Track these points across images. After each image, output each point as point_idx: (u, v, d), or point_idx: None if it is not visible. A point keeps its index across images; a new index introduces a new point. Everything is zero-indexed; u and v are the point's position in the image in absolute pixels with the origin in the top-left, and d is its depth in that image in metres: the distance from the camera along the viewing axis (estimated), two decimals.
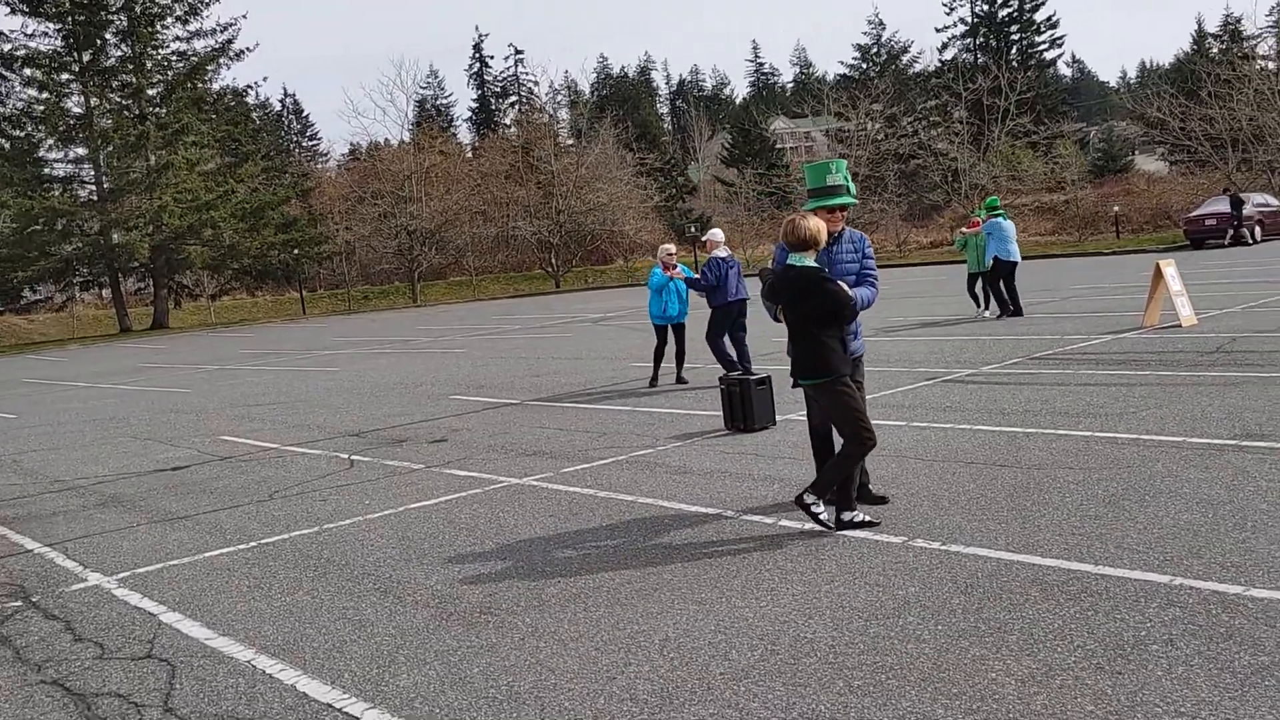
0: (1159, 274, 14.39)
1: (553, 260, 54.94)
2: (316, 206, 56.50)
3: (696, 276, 13.02)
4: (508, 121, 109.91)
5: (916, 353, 14.18)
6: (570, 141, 64.47)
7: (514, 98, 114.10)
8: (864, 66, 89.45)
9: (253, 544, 7.26)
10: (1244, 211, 32.78)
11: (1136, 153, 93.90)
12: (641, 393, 12.95)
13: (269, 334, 38.84)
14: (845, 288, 6.20)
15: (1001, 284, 18.06)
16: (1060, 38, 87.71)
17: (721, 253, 12.88)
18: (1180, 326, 13.93)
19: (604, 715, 4.02)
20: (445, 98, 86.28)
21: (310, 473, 9.74)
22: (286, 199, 50.67)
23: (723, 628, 4.82)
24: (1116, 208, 46.56)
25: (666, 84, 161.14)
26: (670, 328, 13.58)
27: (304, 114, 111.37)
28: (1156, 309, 14.59)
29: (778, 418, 9.81)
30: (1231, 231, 32.54)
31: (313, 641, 5.16)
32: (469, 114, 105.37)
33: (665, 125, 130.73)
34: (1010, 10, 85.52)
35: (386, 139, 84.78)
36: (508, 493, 8.09)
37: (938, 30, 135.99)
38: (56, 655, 5.35)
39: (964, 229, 19.44)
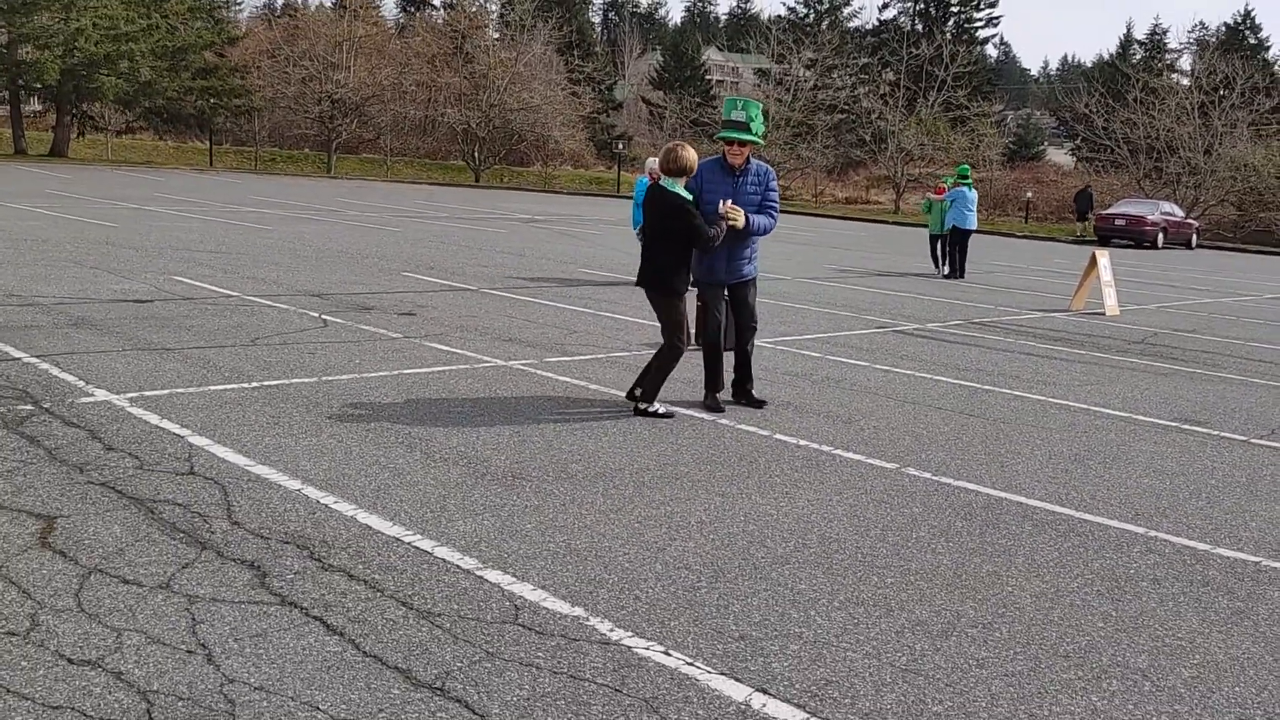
0: (1093, 263, 15.21)
1: (475, 153, 54.15)
2: (236, 57, 54.34)
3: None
4: (436, 3, 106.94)
5: (862, 300, 14.76)
6: (496, 36, 63.23)
7: None
8: (804, 12, 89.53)
9: (255, 384, 7.38)
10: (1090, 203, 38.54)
11: (1047, 143, 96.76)
12: (599, 297, 13.22)
13: (178, 180, 37.59)
14: (704, 225, 7.01)
15: (955, 248, 18.98)
16: (997, 18, 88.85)
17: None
18: (1104, 315, 14.80)
19: (664, 578, 4.39)
20: None
21: (285, 325, 9.79)
22: (211, 44, 48.61)
23: (751, 518, 5.24)
24: (1030, 194, 48.13)
25: None
26: None
27: None
28: (1084, 295, 15.44)
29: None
30: (1079, 220, 38.19)
31: (355, 481, 5.40)
32: None
33: (596, 35, 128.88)
34: None
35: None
36: (497, 373, 8.34)
37: None
38: (93, 460, 5.46)
39: (931, 193, 20.12)
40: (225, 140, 62.00)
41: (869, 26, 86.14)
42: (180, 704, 3.19)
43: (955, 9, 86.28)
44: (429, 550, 4.53)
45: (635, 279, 7.39)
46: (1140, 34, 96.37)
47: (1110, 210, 36.74)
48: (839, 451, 6.62)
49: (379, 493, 5.24)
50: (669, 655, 3.68)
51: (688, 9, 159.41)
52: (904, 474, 6.23)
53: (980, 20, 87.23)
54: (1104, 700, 3.58)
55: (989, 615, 4.24)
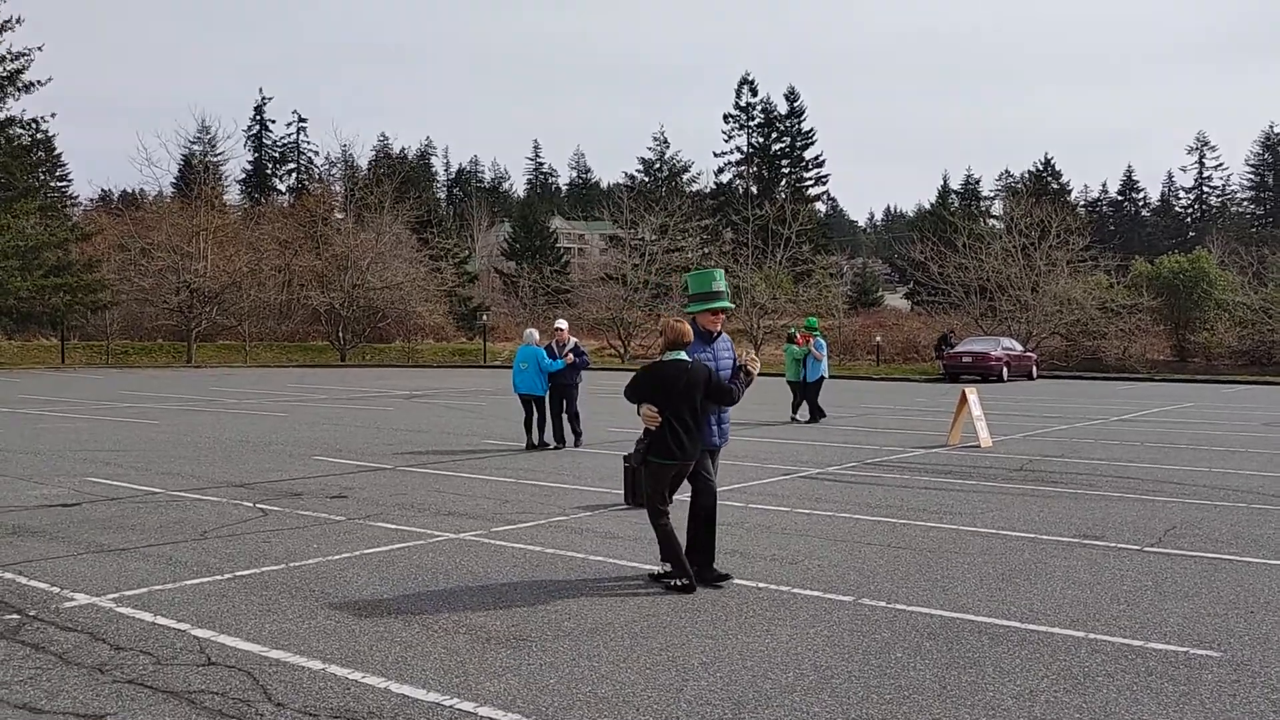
0: (964, 399, 16.46)
1: (339, 333, 54.22)
2: (88, 252, 53.63)
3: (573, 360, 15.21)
4: (283, 189, 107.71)
5: (761, 451, 15.57)
6: (340, 216, 64.20)
7: (293, 165, 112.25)
8: (646, 179, 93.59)
9: (228, 575, 7.56)
10: (951, 346, 41.21)
11: (883, 290, 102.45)
12: (513, 466, 13.66)
13: (36, 380, 36.55)
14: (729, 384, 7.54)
15: (813, 394, 20.36)
16: (825, 176, 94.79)
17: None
18: (979, 447, 15.96)
19: (694, 714, 4.85)
20: (216, 155, 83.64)
21: (225, 517, 9.92)
22: (65, 240, 47.95)
23: (746, 655, 5.74)
24: (879, 338, 50.82)
25: (445, 171, 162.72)
26: (536, 399, 15.89)
27: (55, 152, 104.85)
28: (959, 430, 16.63)
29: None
30: (938, 356, 41.51)
31: (372, 656, 5.70)
32: (244, 175, 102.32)
33: (443, 211, 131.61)
34: (783, 145, 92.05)
35: (142, 190, 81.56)
36: (455, 546, 8.69)
37: (715, 155, 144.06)
38: (108, 661, 5.62)
39: (798, 344, 21.30)
40: (73, 335, 60.50)
41: (708, 190, 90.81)
42: None
43: (786, 171, 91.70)
44: (473, 711, 4.88)
45: (681, 456, 7.26)
46: (955, 184, 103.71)
47: (957, 349, 39.16)
48: (797, 590, 7.19)
49: (399, 664, 5.55)
50: None
51: (530, 181, 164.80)
52: (861, 604, 6.84)
53: (810, 179, 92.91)
54: None
55: (987, 713, 4.82)
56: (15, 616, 6.47)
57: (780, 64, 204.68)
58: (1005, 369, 37.16)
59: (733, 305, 8.13)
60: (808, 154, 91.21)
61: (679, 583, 7.16)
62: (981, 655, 5.76)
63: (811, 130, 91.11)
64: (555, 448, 15.71)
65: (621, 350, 55.85)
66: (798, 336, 21.31)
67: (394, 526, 9.49)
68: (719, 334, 7.81)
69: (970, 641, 6.01)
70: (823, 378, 20.60)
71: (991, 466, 13.91)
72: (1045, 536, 9.15)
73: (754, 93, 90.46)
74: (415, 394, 29.92)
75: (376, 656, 5.69)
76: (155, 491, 11.45)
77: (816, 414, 20.52)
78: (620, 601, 6.90)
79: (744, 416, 21.58)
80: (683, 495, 7.84)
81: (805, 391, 20.61)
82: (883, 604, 6.85)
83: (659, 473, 7.33)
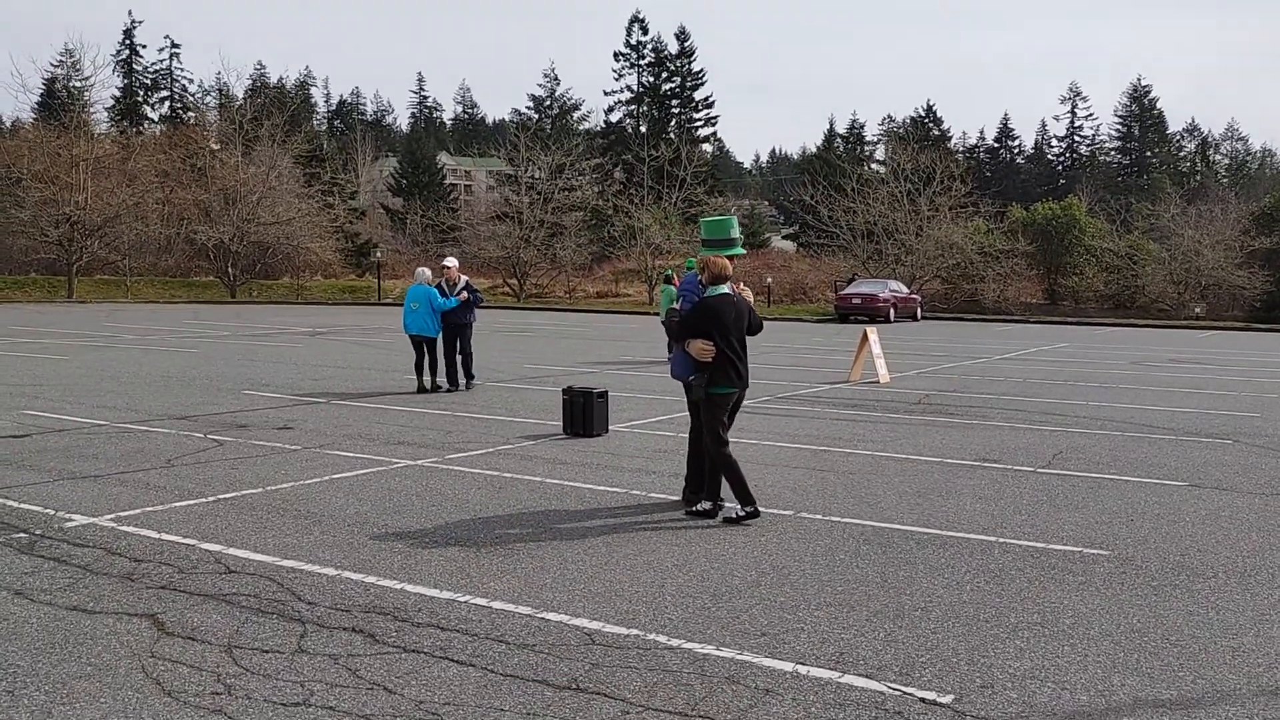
0: (865, 339, 17.54)
1: (229, 269, 53.21)
2: None
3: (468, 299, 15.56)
4: (155, 117, 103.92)
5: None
6: (216, 146, 62.60)
7: (166, 93, 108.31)
8: (536, 116, 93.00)
9: (212, 498, 8.05)
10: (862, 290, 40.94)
11: (768, 232, 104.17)
12: (442, 400, 14.21)
13: None
14: None
15: None
16: (715, 118, 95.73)
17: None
18: (879, 382, 17.08)
19: (680, 604, 5.63)
20: (82, 79, 79.51)
21: (183, 447, 10.31)
22: None
23: (710, 559, 6.54)
24: (770, 279, 52.15)
25: (326, 103, 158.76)
26: (427, 340, 15.47)
27: None
28: (860, 367, 17.73)
29: (609, 427, 11.59)
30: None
31: (381, 562, 6.33)
32: (113, 102, 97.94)
33: (325, 145, 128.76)
34: (673, 85, 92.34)
35: (18, 119, 77.91)
36: (416, 471, 9.29)
37: (606, 94, 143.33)
38: (134, 571, 6.13)
39: (675, 285, 22.06)
40: None
41: (598, 129, 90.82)
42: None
43: (676, 111, 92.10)
44: (487, 605, 5.57)
45: (740, 383, 7.79)
46: (841, 128, 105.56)
47: (847, 291, 40.66)
48: (740, 506, 8.02)
49: (406, 570, 6.20)
50: (720, 650, 4.93)
51: (414, 115, 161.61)
52: (801, 518, 7.71)
53: (700, 120, 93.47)
54: (1024, 642, 5.11)
55: (922, 602, 5.72)
56: (24, 535, 6.89)
57: (670, 3, 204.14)
58: (892, 310, 38.78)
59: (744, 251, 8.75)
60: (698, 95, 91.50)
61: (745, 511, 7.49)
62: (912, 556, 6.67)
63: (702, 71, 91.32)
64: (448, 389, 15.30)
65: (517, 289, 56.09)
66: (674, 278, 22.16)
67: (351, 454, 10.02)
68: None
69: (900, 545, 6.93)
70: None
71: (893, 400, 15.01)
72: (950, 460, 10.18)
73: (644, 31, 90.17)
74: (318, 331, 29.94)
75: (382, 564, 6.32)
76: (100, 424, 11.71)
77: None
78: (586, 515, 7.64)
79: (613, 355, 22.40)
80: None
81: None
82: (819, 517, 7.73)
83: (721, 402, 7.75)
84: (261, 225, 53.20)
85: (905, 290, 42.25)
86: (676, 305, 8.19)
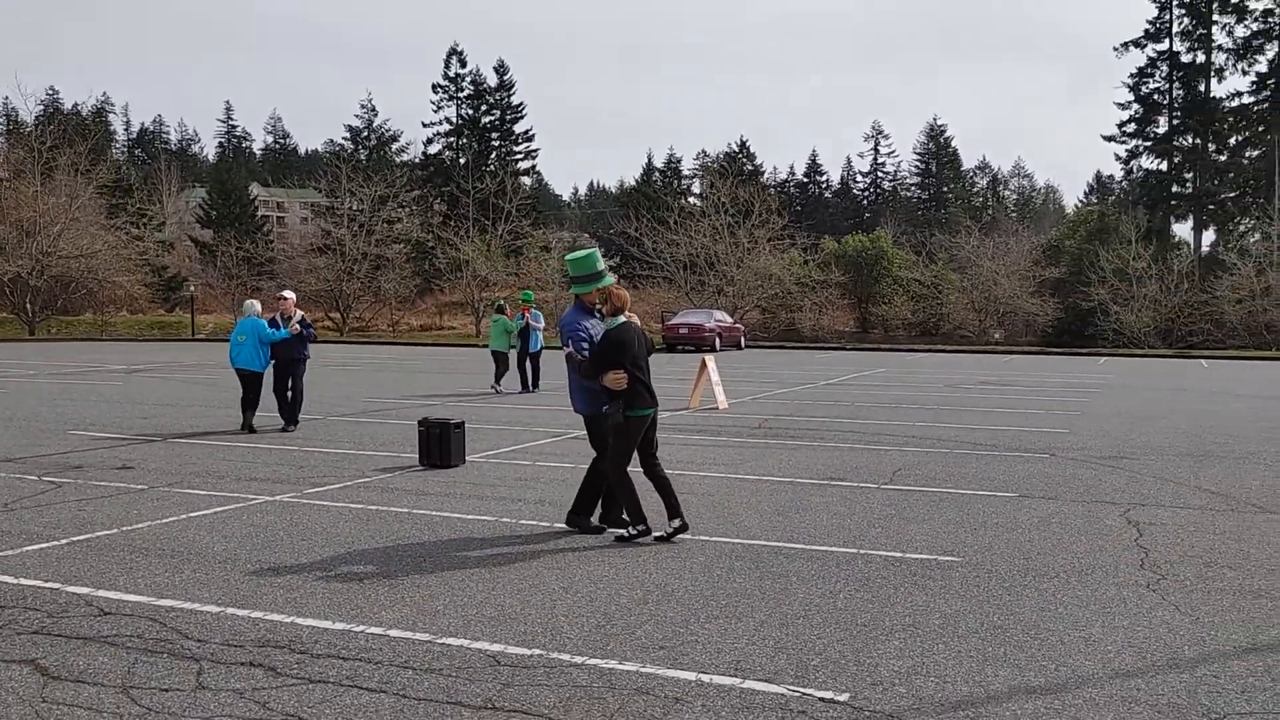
0: (704, 366, 18.07)
1: (27, 305, 50.11)
2: None
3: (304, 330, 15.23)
4: None
5: (514, 416, 16.47)
6: (4, 175, 59.29)
7: None
8: (352, 147, 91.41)
9: (64, 541, 7.71)
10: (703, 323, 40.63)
11: None
12: (283, 437, 13.90)
13: None
14: None
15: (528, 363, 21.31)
16: (535, 150, 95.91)
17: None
18: (718, 409, 17.61)
19: (572, 623, 5.78)
20: None
21: (18, 490, 9.80)
22: None
23: (594, 580, 6.72)
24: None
25: (126, 130, 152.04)
26: (254, 375, 14.80)
27: None
28: (699, 394, 18.24)
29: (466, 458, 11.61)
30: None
31: (262, 598, 6.24)
32: None
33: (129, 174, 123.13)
34: (493, 118, 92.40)
35: None
36: (277, 506, 9.12)
37: (424, 125, 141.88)
38: (1, 619, 5.87)
39: (508, 315, 22.23)
40: None
41: (416, 160, 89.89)
42: None
43: (496, 144, 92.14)
44: (384, 634, 5.59)
45: (654, 402, 8.03)
46: (659, 162, 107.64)
47: (673, 321, 41.53)
48: (610, 530, 8.22)
49: (293, 603, 6.13)
50: (624, 664, 5.12)
51: (221, 145, 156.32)
52: (675, 537, 7.97)
53: (520, 153, 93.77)
54: (901, 643, 5.49)
55: (801, 611, 6.05)
56: None
57: (488, 39, 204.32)
58: (718, 339, 39.82)
59: (614, 278, 9.02)
60: (518, 128, 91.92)
61: (637, 530, 7.82)
62: (784, 569, 7.02)
63: (521, 104, 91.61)
64: (282, 428, 14.65)
65: (340, 322, 54.89)
66: (507, 309, 22.42)
67: (203, 492, 9.74)
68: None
69: (770, 560, 7.27)
70: (541, 348, 21.70)
71: (734, 425, 15.52)
72: (800, 480, 10.67)
73: (463, 64, 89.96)
74: (135, 368, 28.61)
75: (265, 599, 6.23)
76: None
77: (535, 383, 21.43)
78: (463, 544, 7.69)
79: (446, 388, 22.39)
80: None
81: (527, 361, 21.38)
82: (689, 537, 8.00)
83: (636, 426, 7.91)
84: (63, 259, 50.39)
85: (729, 320, 43.47)
86: (565, 347, 8.19)
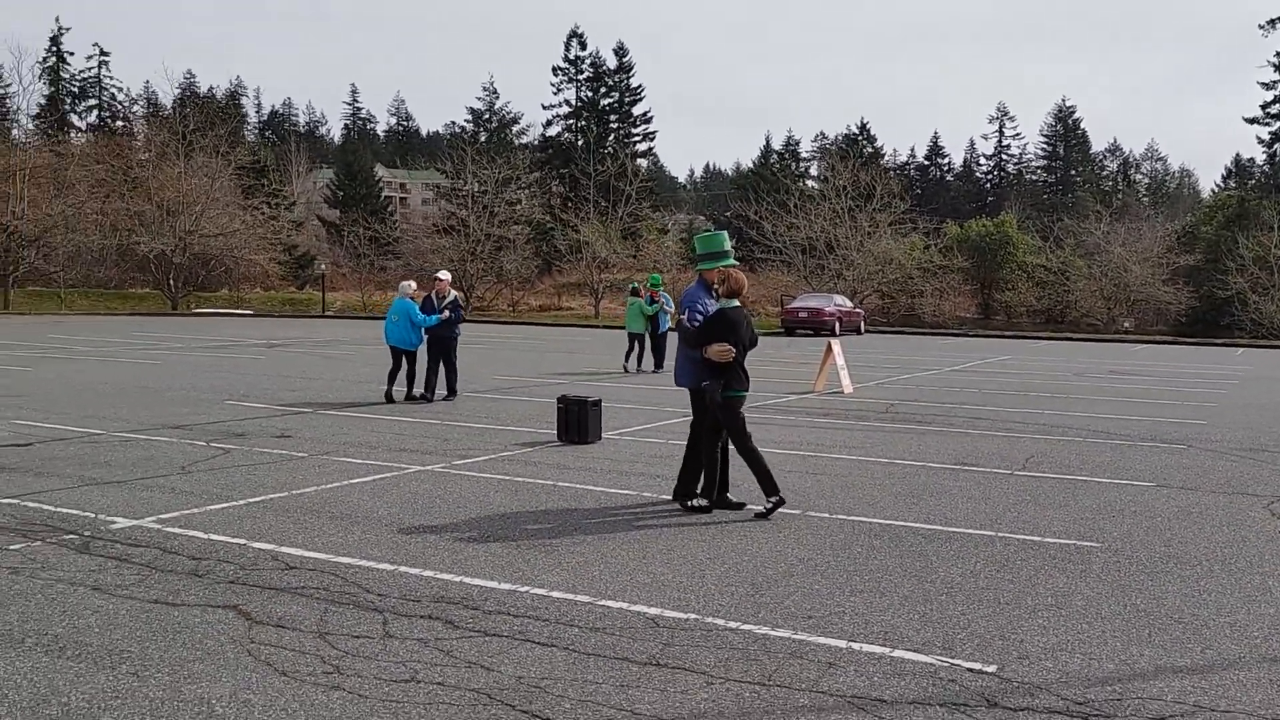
0: (829, 350, 18.18)
1: (170, 281, 52.60)
2: None
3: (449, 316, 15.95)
4: (82, 126, 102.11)
5: (649, 396, 16.85)
6: (145, 155, 61.93)
7: (94, 101, 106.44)
8: (474, 129, 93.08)
9: (242, 502, 8.32)
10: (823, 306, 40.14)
11: None
12: (428, 410, 14.52)
13: None
14: None
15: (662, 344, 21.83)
16: (653, 133, 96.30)
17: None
18: (843, 393, 17.71)
19: (722, 591, 6.08)
20: (2, 86, 77.99)
21: (191, 455, 10.52)
22: None
23: (739, 553, 7.01)
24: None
25: (257, 113, 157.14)
26: (405, 353, 15.92)
27: None
28: (824, 377, 18.36)
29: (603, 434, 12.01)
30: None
31: (431, 558, 6.69)
32: (38, 110, 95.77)
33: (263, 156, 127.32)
34: (611, 100, 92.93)
35: None
36: (430, 476, 9.63)
37: (544, 108, 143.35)
38: (198, 569, 6.42)
39: (651, 297, 22.64)
40: None
41: (535, 143, 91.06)
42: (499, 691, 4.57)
43: (615, 126, 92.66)
44: (547, 594, 5.98)
45: (748, 386, 8.40)
46: (777, 144, 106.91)
47: (793, 305, 41.50)
48: (751, 505, 8.49)
49: (460, 564, 6.57)
50: (776, 630, 5.40)
51: (347, 127, 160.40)
52: (809, 516, 8.22)
53: (638, 135, 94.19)
54: (1045, 621, 5.65)
55: (944, 589, 6.24)
56: (74, 536, 7.12)
57: (608, 21, 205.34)
58: (838, 324, 39.65)
59: (737, 262, 9.38)
60: (636, 110, 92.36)
61: (772, 501, 8.09)
62: (923, 548, 7.21)
63: (640, 86, 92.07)
64: (425, 399, 15.48)
65: (464, 301, 56.20)
66: (641, 290, 22.80)
67: (359, 461, 10.33)
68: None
69: (909, 539, 7.46)
70: (668, 329, 22.07)
71: (861, 409, 15.62)
72: (931, 464, 10.78)
73: (583, 46, 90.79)
74: (274, 343, 29.92)
75: (435, 559, 6.69)
76: (96, 433, 11.84)
77: (661, 363, 21.89)
78: (609, 515, 8.06)
79: (573, 367, 22.84)
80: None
81: (658, 343, 21.95)
82: (827, 515, 8.24)
83: (737, 405, 8.30)
84: (204, 237, 52.71)
85: (849, 304, 43.23)
86: (681, 315, 8.59)
